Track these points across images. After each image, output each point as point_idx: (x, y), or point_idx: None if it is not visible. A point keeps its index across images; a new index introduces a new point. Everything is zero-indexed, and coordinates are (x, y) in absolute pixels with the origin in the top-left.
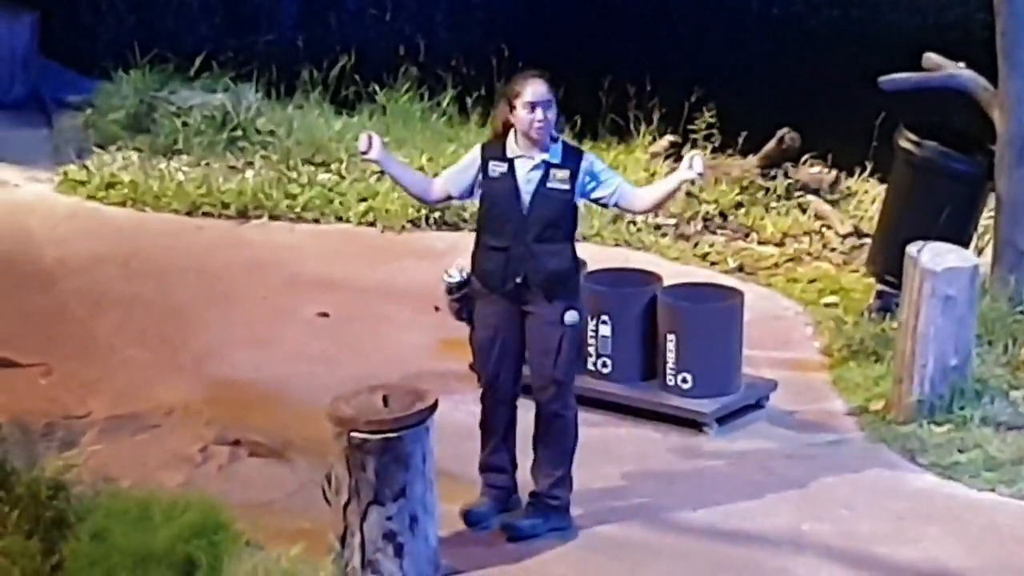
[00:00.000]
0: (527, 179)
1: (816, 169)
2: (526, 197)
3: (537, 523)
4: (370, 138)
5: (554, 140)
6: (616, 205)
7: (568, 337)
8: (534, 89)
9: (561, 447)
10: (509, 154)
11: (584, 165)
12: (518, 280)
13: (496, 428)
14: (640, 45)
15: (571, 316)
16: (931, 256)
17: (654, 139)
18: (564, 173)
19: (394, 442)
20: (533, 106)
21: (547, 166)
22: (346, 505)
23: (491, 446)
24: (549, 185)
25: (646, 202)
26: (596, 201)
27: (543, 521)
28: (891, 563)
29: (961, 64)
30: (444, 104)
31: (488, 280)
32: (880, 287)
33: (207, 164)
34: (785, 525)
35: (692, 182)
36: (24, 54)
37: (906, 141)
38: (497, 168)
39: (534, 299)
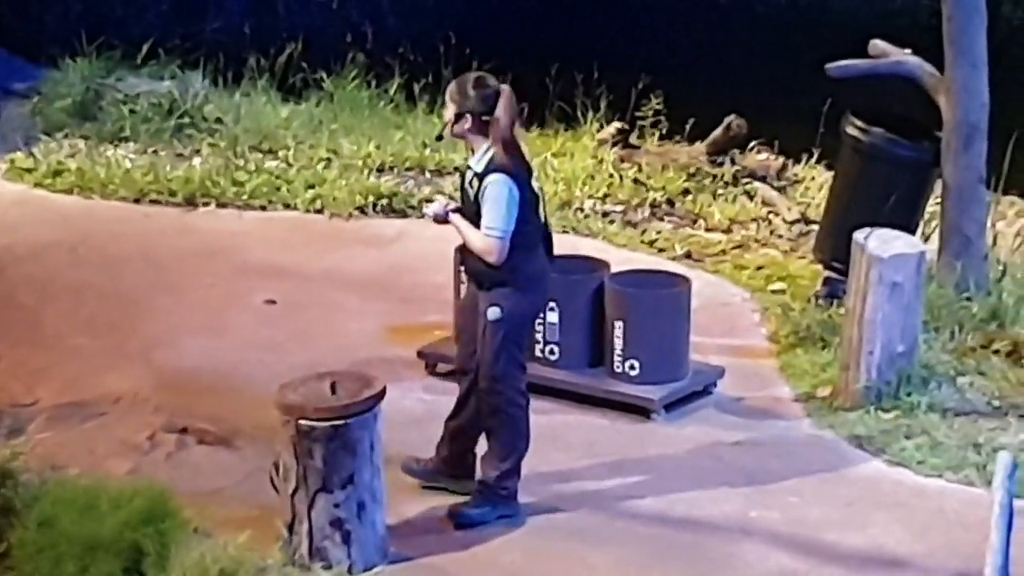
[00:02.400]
0: (467, 184)
1: (763, 156)
2: (465, 200)
3: (485, 511)
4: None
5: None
6: None
7: (490, 330)
8: None
9: (504, 440)
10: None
11: (483, 185)
12: (464, 268)
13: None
14: (587, 32)
15: (492, 312)
16: (878, 243)
17: (601, 126)
18: (478, 183)
19: (342, 429)
20: None
21: (473, 174)
22: (294, 492)
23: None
24: (470, 192)
25: None
26: None
27: (491, 508)
28: (839, 549)
29: (908, 51)
30: (392, 91)
31: None
32: (827, 274)
33: (154, 151)
34: (733, 511)
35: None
36: None
37: (853, 128)
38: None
39: (476, 289)
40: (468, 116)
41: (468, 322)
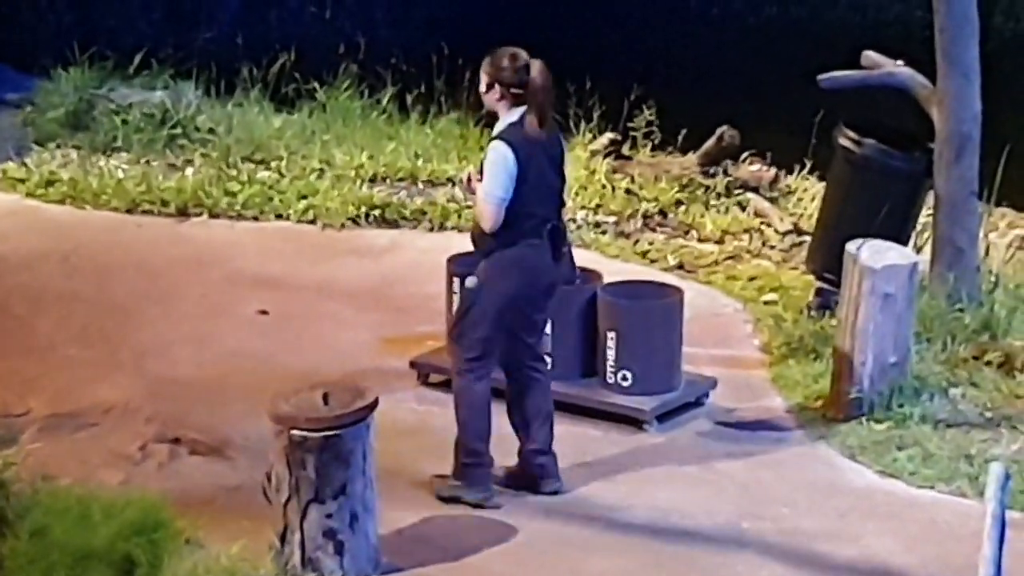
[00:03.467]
0: None
1: (756, 167)
2: None
3: (456, 486)
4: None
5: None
6: None
7: (462, 296)
8: None
9: (459, 413)
10: None
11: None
12: None
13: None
14: (580, 42)
15: (469, 280)
16: (870, 253)
17: (594, 137)
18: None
19: (334, 440)
20: None
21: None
22: (286, 503)
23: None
24: None
25: None
26: None
27: (462, 486)
28: (831, 560)
29: (900, 62)
30: (384, 101)
31: None
32: (819, 284)
33: (147, 162)
34: (725, 522)
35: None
36: None
37: (845, 139)
38: None
39: None
40: (497, 86)
41: None
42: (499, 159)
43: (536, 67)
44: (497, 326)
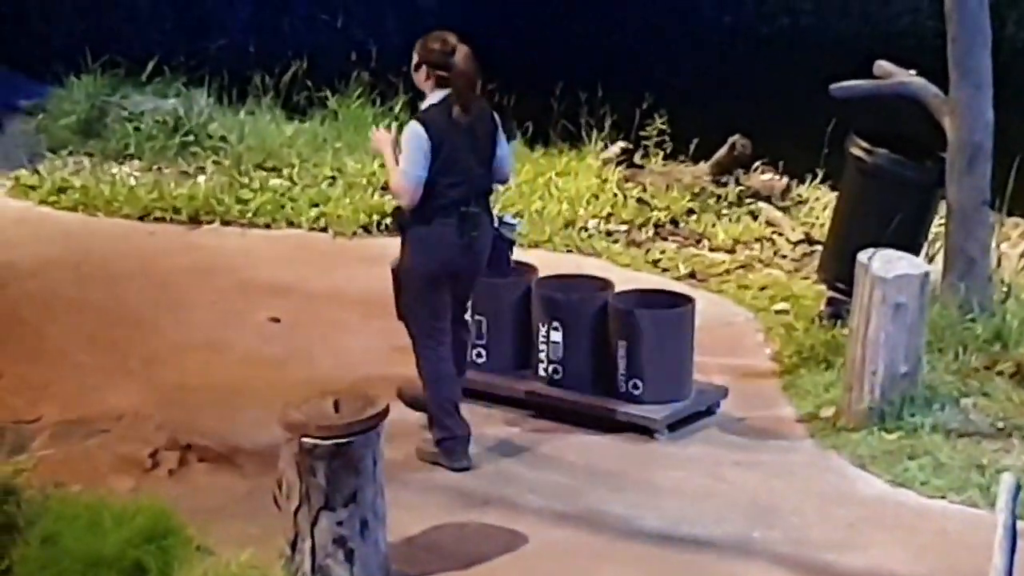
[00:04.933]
0: None
1: (767, 176)
2: None
3: (434, 454)
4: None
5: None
6: None
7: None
8: None
9: (425, 388)
10: None
11: None
12: None
13: None
14: (592, 51)
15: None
16: (882, 263)
17: (606, 146)
18: None
19: (345, 447)
20: None
21: None
22: (296, 510)
23: None
24: None
25: None
26: None
27: (438, 454)
28: (841, 570)
29: (912, 72)
30: (396, 109)
31: None
32: (831, 294)
33: (159, 169)
34: (735, 531)
35: None
36: None
37: (857, 148)
38: None
39: None
40: (425, 67)
41: None
42: (413, 138)
43: (461, 53)
44: (431, 298)
